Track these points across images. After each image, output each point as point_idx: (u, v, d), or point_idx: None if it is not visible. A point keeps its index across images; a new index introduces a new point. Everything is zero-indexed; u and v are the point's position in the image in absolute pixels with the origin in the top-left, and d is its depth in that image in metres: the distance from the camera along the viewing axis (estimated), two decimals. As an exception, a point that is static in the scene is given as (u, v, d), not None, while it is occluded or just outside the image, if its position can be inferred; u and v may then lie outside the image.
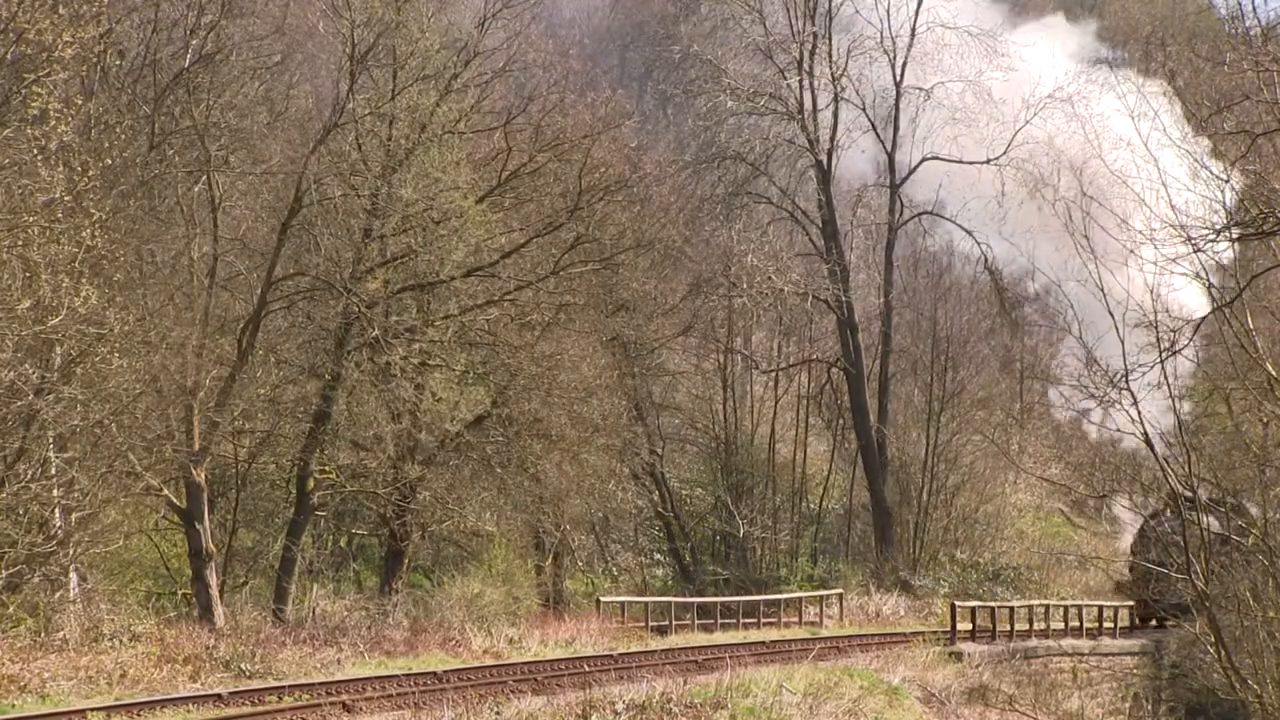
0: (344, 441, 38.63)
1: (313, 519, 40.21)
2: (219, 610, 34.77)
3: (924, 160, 58.77)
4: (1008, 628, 43.96)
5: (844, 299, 58.08)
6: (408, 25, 37.69)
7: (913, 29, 59.06)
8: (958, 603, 43.64)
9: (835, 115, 58.20)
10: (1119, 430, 27.58)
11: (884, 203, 61.49)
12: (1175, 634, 45.25)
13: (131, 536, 36.81)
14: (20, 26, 27.42)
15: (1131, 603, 49.02)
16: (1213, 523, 47.37)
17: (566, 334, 41.45)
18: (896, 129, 59.14)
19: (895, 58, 59.03)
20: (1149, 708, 44.34)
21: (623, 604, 44.84)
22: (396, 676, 29.16)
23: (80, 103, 30.00)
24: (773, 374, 63.53)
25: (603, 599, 45.71)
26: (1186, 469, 25.13)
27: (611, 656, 34.30)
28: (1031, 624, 45.93)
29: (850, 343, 58.76)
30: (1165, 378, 25.05)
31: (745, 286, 57.43)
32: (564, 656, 34.34)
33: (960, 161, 57.83)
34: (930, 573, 57.31)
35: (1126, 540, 56.79)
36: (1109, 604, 47.37)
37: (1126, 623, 47.46)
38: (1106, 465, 45.58)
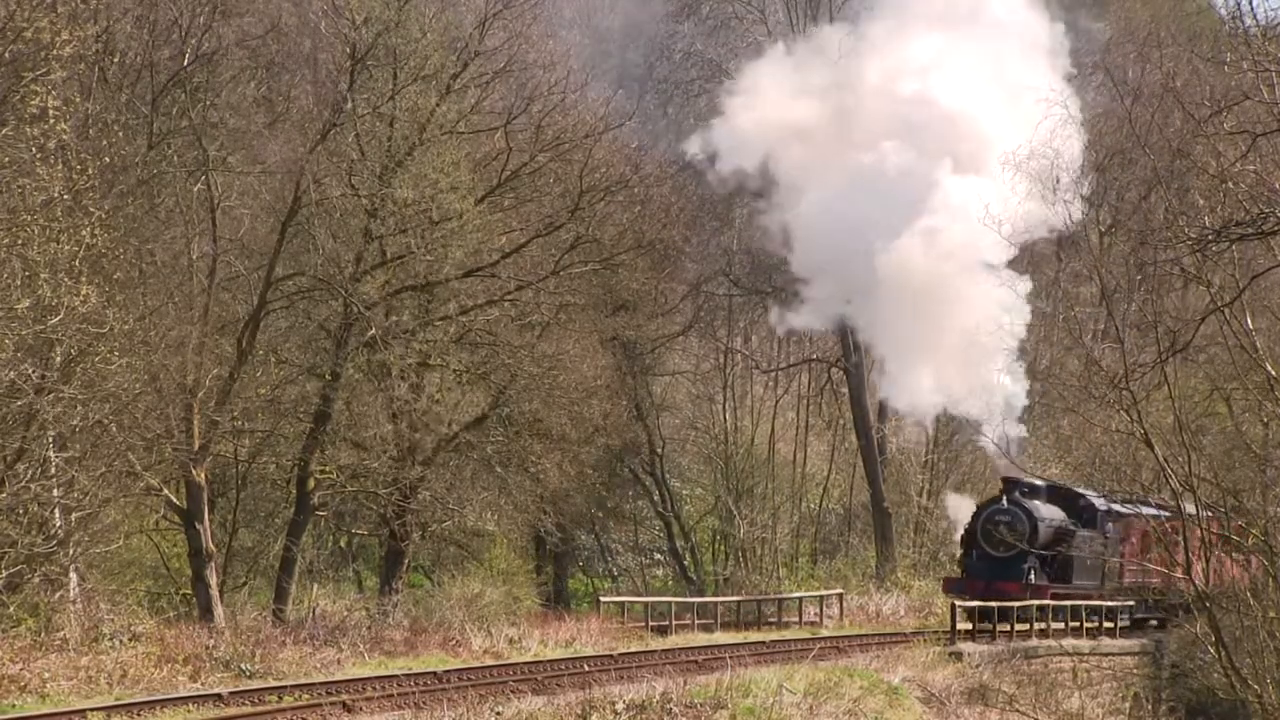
0: (344, 441, 38.62)
1: (313, 519, 40.21)
2: (219, 610, 34.75)
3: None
4: (1008, 628, 43.91)
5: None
6: (408, 25, 37.68)
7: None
8: (957, 603, 43.55)
9: (835, 114, 58.09)
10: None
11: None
12: (1175, 634, 45.10)
13: (131, 536, 36.83)
14: (18, 25, 27.41)
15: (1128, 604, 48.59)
16: (1054, 511, 47.43)
17: (567, 334, 41.44)
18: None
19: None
20: (1149, 708, 44.24)
21: (623, 604, 44.83)
22: (396, 676, 29.16)
23: (78, 101, 29.98)
24: (773, 374, 63.50)
25: (603, 599, 45.70)
26: (1186, 469, 25.13)
27: (611, 656, 34.28)
28: (1031, 624, 45.86)
29: (850, 341, 58.68)
30: (1165, 378, 25.08)
31: (745, 286, 57.31)
32: (564, 656, 34.33)
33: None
34: (931, 573, 57.20)
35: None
36: (1109, 603, 47.25)
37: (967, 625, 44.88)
38: (1106, 465, 45.50)
